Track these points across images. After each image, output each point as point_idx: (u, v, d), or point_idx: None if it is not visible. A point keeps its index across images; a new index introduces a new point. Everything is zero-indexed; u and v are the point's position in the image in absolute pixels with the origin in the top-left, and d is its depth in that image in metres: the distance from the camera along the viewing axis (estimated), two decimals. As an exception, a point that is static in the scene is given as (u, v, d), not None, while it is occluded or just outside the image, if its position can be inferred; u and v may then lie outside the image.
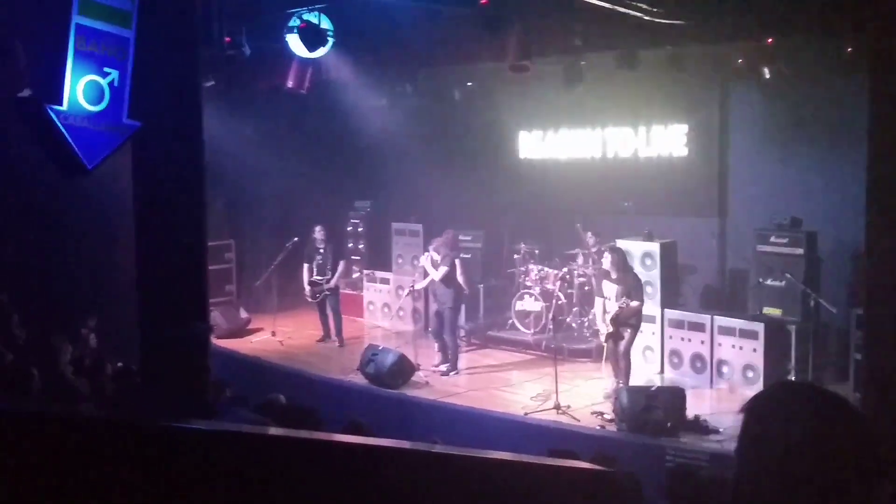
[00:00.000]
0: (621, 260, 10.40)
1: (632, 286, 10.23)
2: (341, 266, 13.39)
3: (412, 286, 12.45)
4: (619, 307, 10.12)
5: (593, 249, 12.77)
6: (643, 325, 11.62)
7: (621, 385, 10.19)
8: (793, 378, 10.58)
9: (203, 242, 7.28)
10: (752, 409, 1.86)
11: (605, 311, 10.36)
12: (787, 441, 1.76)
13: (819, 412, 1.79)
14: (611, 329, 10.29)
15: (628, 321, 10.30)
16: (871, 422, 1.82)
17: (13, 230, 11.65)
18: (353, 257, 15.28)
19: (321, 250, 13.30)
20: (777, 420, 1.80)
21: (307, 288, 13.36)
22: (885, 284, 7.95)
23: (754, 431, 1.83)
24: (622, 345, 10.37)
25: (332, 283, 13.22)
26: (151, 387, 6.84)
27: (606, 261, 10.42)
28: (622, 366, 10.38)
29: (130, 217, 7.16)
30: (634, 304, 10.17)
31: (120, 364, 8.87)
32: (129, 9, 6.55)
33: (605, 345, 10.64)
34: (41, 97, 6.37)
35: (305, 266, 13.42)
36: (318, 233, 13.38)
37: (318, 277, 13.28)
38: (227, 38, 10.46)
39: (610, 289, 10.33)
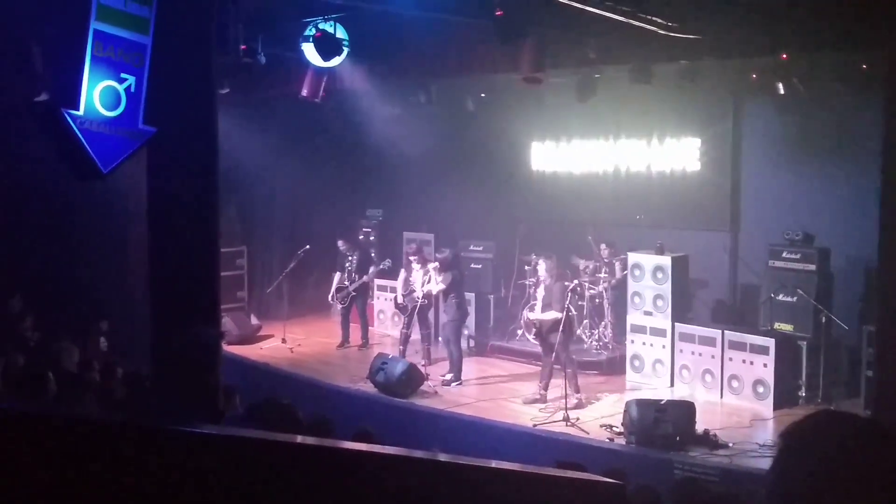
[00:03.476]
0: (553, 268, 10.78)
1: (554, 296, 10.54)
2: (372, 269, 13.67)
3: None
4: (532, 316, 10.62)
5: (606, 261, 12.76)
6: (654, 339, 11.66)
7: (575, 394, 10.52)
8: (803, 394, 10.56)
9: (215, 248, 7.32)
10: (793, 439, 1.83)
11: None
12: (825, 471, 1.74)
13: (859, 442, 1.76)
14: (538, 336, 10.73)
15: (553, 329, 10.52)
16: None
17: (28, 234, 11.72)
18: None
19: (350, 258, 13.65)
20: (814, 450, 1.78)
21: (333, 293, 13.74)
22: (897, 302, 7.93)
23: (795, 462, 1.80)
24: (555, 351, 10.41)
25: (355, 285, 13.54)
26: (161, 391, 6.86)
27: (541, 268, 10.77)
28: (569, 371, 10.48)
29: (144, 222, 7.21)
30: (549, 315, 10.50)
31: (130, 368, 8.90)
32: (147, 16, 6.60)
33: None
34: (58, 101, 6.42)
35: (336, 275, 13.80)
36: (342, 245, 13.80)
37: (347, 283, 13.66)
38: (243, 47, 10.51)
39: (539, 294, 10.75)
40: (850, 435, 1.79)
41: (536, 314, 10.72)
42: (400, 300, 12.54)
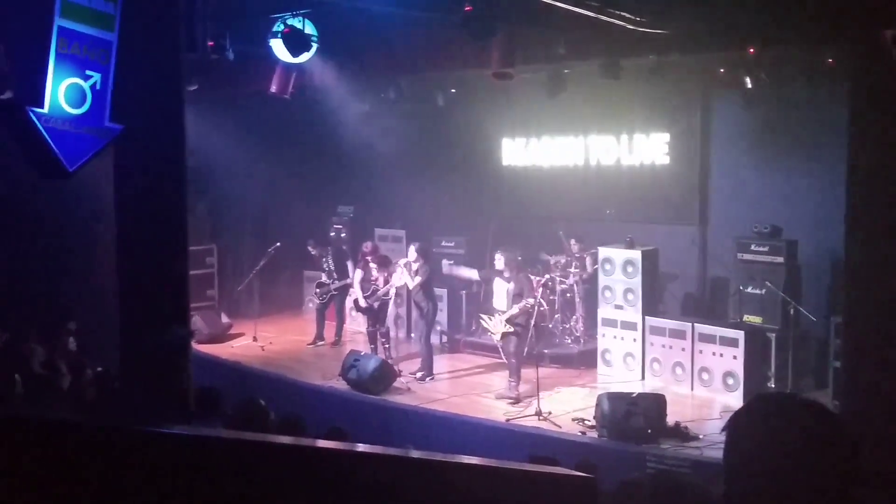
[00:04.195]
0: (513, 259, 10.83)
1: (525, 286, 10.61)
2: (350, 266, 13.67)
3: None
4: (520, 308, 10.52)
5: (577, 256, 12.81)
6: (625, 332, 11.75)
7: (513, 384, 10.64)
8: (772, 386, 10.66)
9: (184, 247, 7.26)
10: (734, 426, 1.88)
11: (497, 312, 10.77)
12: (769, 453, 1.78)
13: (798, 422, 1.81)
14: (510, 329, 10.65)
15: (518, 321, 10.59)
16: (849, 426, 1.84)
17: (-7, 233, 11.58)
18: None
19: (324, 259, 13.81)
20: (758, 434, 1.82)
21: (317, 291, 13.97)
22: (864, 293, 8.03)
23: (737, 447, 1.85)
24: (513, 344, 10.62)
25: (337, 284, 13.66)
26: (131, 391, 6.80)
27: (500, 262, 10.82)
28: (514, 366, 10.67)
29: (112, 221, 7.13)
30: (530, 301, 10.51)
31: (100, 368, 8.83)
32: (112, 12, 6.52)
33: (499, 345, 11.00)
34: (22, 99, 6.32)
35: (323, 275, 13.94)
36: (312, 249, 13.97)
37: (328, 281, 13.78)
38: (211, 43, 10.43)
39: (501, 288, 10.70)
40: (782, 414, 1.85)
41: (502, 306, 10.69)
42: (363, 302, 12.44)
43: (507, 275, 10.73)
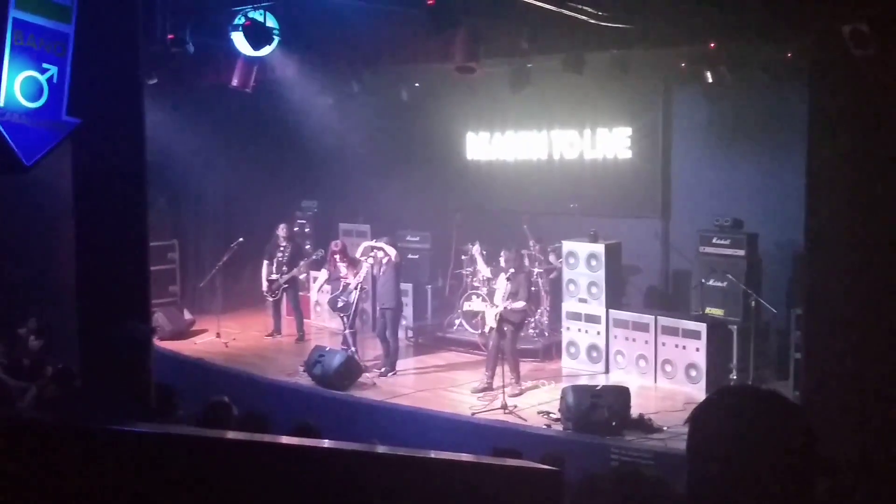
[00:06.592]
0: (517, 259, 10.90)
1: (522, 286, 10.60)
2: (303, 262, 13.55)
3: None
4: (505, 307, 10.54)
5: (540, 256, 12.87)
6: (588, 326, 11.81)
7: (513, 381, 10.68)
8: (734, 377, 10.78)
9: (145, 242, 7.17)
10: (696, 419, 1.89)
11: (493, 306, 10.75)
12: (731, 445, 1.79)
13: (760, 413, 1.82)
14: (495, 325, 10.63)
15: (511, 319, 10.63)
16: (810, 417, 1.86)
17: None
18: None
19: (283, 248, 13.55)
20: (721, 426, 1.84)
21: (265, 285, 13.60)
22: (823, 285, 8.15)
23: (700, 439, 1.86)
24: (506, 343, 10.65)
25: (286, 277, 13.44)
26: (92, 389, 6.71)
27: (502, 260, 10.85)
28: (511, 364, 10.69)
29: (70, 216, 7.02)
30: (519, 304, 10.53)
31: (60, 365, 8.70)
32: (69, 3, 6.40)
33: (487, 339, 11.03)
34: (-23, 93, 6.19)
35: (265, 263, 13.67)
36: (282, 230, 13.72)
37: (276, 275, 13.53)
38: (171, 36, 10.31)
39: (502, 285, 10.71)
40: (744, 405, 1.87)
41: (498, 303, 10.65)
42: (315, 297, 12.31)
43: (507, 274, 10.69)
